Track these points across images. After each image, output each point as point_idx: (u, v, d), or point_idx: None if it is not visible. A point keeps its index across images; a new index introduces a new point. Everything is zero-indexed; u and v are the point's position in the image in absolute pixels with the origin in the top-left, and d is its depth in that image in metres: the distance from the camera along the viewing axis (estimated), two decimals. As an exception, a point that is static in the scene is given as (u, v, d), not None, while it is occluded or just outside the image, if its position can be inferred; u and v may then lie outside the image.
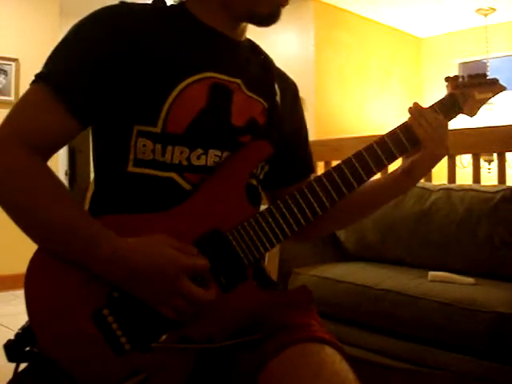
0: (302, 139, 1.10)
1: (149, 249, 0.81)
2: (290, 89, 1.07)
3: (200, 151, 0.88)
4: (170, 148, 0.87)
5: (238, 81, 0.94)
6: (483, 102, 1.02)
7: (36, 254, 0.83)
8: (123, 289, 0.82)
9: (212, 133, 0.89)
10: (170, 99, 0.86)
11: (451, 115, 0.99)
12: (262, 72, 1.01)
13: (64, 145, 0.89)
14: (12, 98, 4.15)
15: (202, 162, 0.89)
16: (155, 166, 0.87)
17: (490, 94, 1.02)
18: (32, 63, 4.24)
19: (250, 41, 1.03)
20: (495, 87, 1.03)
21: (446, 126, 0.96)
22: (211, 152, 0.89)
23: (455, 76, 1.02)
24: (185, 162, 0.88)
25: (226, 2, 0.92)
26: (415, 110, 0.95)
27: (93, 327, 0.81)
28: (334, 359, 0.83)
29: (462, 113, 1.01)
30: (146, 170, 0.87)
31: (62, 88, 0.84)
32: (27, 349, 0.83)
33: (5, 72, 4.17)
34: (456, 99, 0.99)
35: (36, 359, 0.82)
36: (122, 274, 0.80)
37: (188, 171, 0.88)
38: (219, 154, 0.90)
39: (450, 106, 0.99)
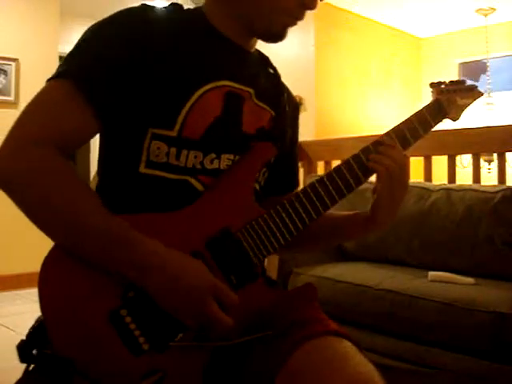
0: (294, 155, 1.13)
1: (190, 265, 0.83)
2: (292, 104, 1.10)
3: (213, 155, 0.90)
4: (185, 152, 0.88)
5: (251, 90, 0.96)
6: (465, 107, 1.07)
7: (50, 254, 0.82)
8: (153, 296, 0.81)
9: (226, 139, 0.91)
10: (188, 105, 0.87)
11: (438, 119, 1.03)
12: (271, 82, 1.04)
13: (82, 145, 0.88)
14: (12, 98, 4.14)
15: (215, 165, 0.90)
16: (168, 169, 0.88)
17: (471, 100, 1.08)
18: (32, 63, 4.25)
19: (258, 52, 1.05)
20: (474, 93, 1.08)
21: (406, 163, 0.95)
22: (224, 156, 0.91)
23: (438, 82, 1.06)
24: (198, 166, 0.89)
25: (244, 17, 0.93)
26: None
27: (110, 328, 0.81)
28: (355, 351, 0.85)
29: (448, 117, 1.05)
30: (159, 172, 0.88)
31: (87, 86, 0.83)
32: (38, 350, 0.82)
33: (5, 72, 4.17)
34: (442, 104, 1.03)
35: (48, 360, 0.81)
36: (155, 281, 0.80)
37: (202, 174, 0.89)
38: (232, 157, 0.92)
39: (437, 110, 1.02)
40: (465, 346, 1.74)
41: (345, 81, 4.83)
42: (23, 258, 3.93)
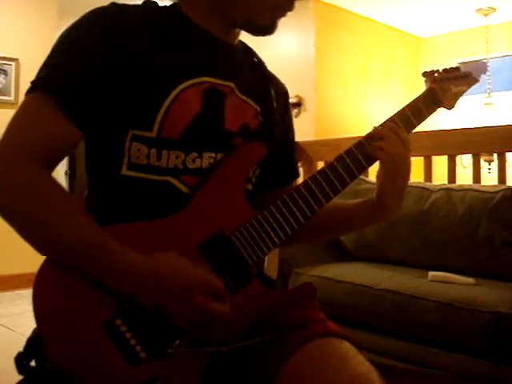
0: (289, 144, 1.11)
1: (167, 264, 0.81)
2: (281, 93, 1.07)
3: (195, 155, 0.88)
4: (165, 152, 0.86)
5: (232, 84, 0.93)
6: (459, 94, 1.05)
7: (44, 264, 0.82)
8: (138, 302, 0.81)
9: (206, 137, 0.89)
10: (165, 104, 0.85)
11: (432, 109, 1.01)
12: (255, 75, 1.01)
13: (66, 154, 0.87)
14: (12, 98, 4.15)
15: (197, 164, 0.89)
16: (149, 170, 0.86)
17: (465, 87, 1.06)
18: (32, 63, 4.23)
19: (243, 43, 1.03)
20: (469, 80, 1.06)
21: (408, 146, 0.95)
22: (206, 155, 0.89)
23: (432, 71, 1.05)
24: (180, 166, 0.87)
25: (224, 10, 0.91)
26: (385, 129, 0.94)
27: (106, 338, 0.80)
28: (354, 352, 0.84)
29: (442, 106, 1.03)
30: (140, 174, 0.87)
31: (58, 93, 0.82)
32: (36, 362, 0.82)
33: (5, 72, 4.17)
34: (436, 93, 1.02)
35: (45, 373, 0.81)
36: (139, 289, 0.80)
37: (184, 174, 0.88)
38: (213, 155, 0.90)
39: (431, 100, 1.01)
40: (465, 346, 1.73)
41: (345, 81, 4.83)
42: (23, 258, 3.91)
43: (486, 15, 4.84)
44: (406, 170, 0.94)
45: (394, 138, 0.92)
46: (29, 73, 4.19)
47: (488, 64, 4.83)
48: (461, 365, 1.73)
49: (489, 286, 1.94)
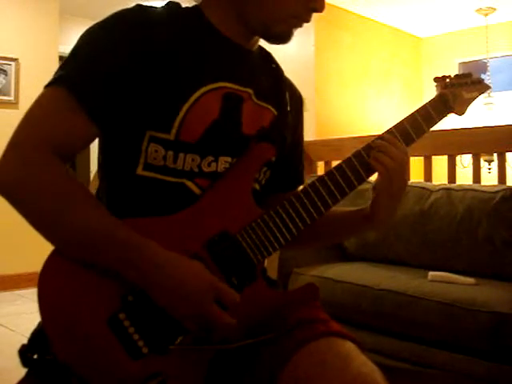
0: (298, 151, 1.12)
1: (190, 265, 0.82)
2: (296, 100, 1.08)
3: (211, 158, 0.89)
4: (181, 155, 0.87)
5: (250, 90, 0.94)
6: (471, 100, 1.05)
7: (50, 258, 0.82)
8: (152, 296, 0.81)
9: (223, 142, 0.90)
10: (185, 108, 0.86)
11: (442, 114, 1.01)
12: (273, 81, 1.02)
13: (81, 151, 0.88)
14: (12, 98, 4.14)
15: (212, 168, 0.90)
16: (165, 172, 0.87)
17: (477, 94, 1.06)
18: (32, 63, 4.25)
19: (261, 49, 1.04)
20: (481, 86, 1.06)
21: (407, 156, 0.94)
22: (221, 159, 0.90)
23: (443, 76, 1.05)
24: (196, 169, 0.88)
25: (243, 16, 0.93)
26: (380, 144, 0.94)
27: (109, 332, 0.80)
28: (357, 352, 0.85)
29: (453, 112, 1.03)
30: (156, 175, 0.88)
31: (80, 91, 0.83)
32: (40, 355, 0.83)
33: (5, 72, 4.17)
34: (447, 99, 1.02)
35: (48, 366, 0.81)
36: (155, 281, 0.80)
37: (199, 177, 0.89)
38: (229, 160, 0.91)
39: (442, 105, 1.01)
40: (465, 346, 1.73)
41: (345, 81, 4.82)
42: (23, 258, 3.93)
43: (486, 15, 4.84)
44: (400, 184, 0.93)
45: (392, 151, 0.91)
46: (29, 73, 4.20)
47: (488, 64, 4.83)
48: (461, 365, 1.73)
49: (489, 286, 1.94)
